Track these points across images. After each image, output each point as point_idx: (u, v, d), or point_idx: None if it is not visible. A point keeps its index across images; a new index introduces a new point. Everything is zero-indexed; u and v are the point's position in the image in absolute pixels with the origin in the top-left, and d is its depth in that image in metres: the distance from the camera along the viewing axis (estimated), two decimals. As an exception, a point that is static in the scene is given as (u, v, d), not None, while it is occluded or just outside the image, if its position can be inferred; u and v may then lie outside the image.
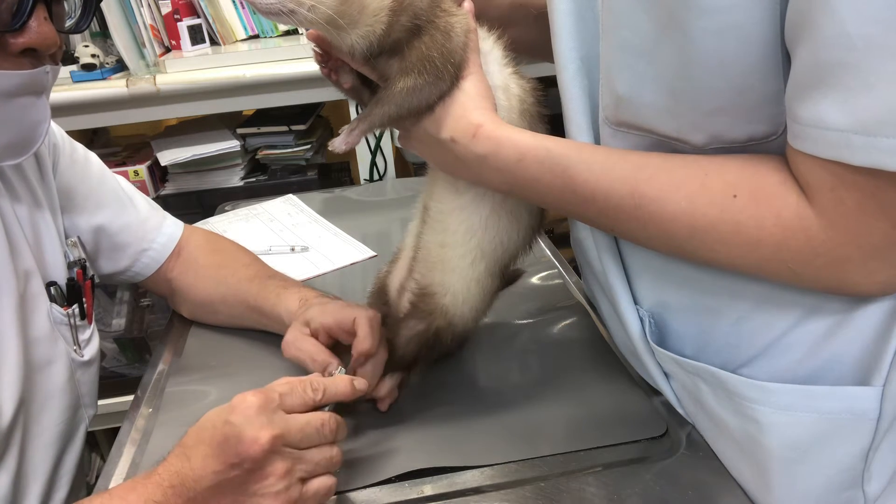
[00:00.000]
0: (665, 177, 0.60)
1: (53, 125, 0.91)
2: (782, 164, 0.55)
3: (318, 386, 0.66)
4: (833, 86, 0.47)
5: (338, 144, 0.68)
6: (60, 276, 0.88)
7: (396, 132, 0.74)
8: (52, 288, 0.86)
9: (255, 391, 0.62)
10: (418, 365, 0.81)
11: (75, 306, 0.89)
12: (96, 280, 0.96)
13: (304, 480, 0.62)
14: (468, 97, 0.67)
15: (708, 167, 0.58)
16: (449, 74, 0.67)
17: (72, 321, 0.88)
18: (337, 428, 0.65)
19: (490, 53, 0.72)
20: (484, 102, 0.67)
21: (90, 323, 0.93)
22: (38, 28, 0.71)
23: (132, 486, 0.60)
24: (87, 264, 0.93)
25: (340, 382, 0.68)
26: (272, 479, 0.60)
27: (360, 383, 0.70)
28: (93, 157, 0.98)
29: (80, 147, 0.97)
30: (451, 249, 0.75)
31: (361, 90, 0.73)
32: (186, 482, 0.59)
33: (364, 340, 0.75)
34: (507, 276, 0.82)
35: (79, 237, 0.93)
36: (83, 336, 0.91)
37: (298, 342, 0.80)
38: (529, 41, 0.78)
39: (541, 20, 0.74)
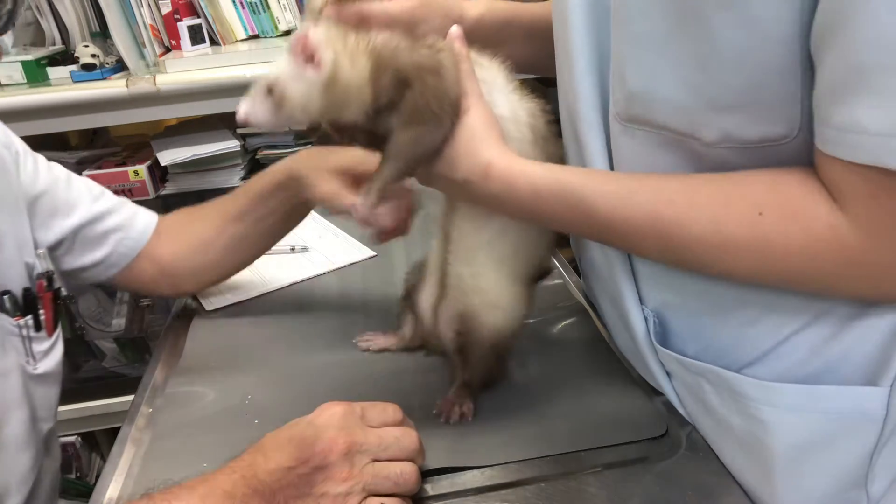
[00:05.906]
0: (685, 200, 0.58)
1: (13, 135, 0.90)
2: (805, 174, 0.54)
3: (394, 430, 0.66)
4: (871, 89, 0.46)
5: (361, 210, 0.68)
6: (16, 285, 0.85)
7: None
8: (5, 297, 0.84)
9: (339, 402, 0.65)
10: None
11: (29, 317, 0.86)
12: (63, 293, 0.93)
13: (367, 495, 0.62)
14: (472, 133, 0.65)
15: (729, 189, 0.57)
16: (448, 115, 0.65)
17: (24, 332, 0.86)
18: (419, 446, 0.66)
19: (493, 83, 0.70)
20: (489, 132, 0.65)
21: (50, 335, 0.89)
22: None
23: (202, 479, 0.60)
24: (54, 276, 0.90)
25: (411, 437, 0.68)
26: (334, 481, 0.60)
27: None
28: (55, 164, 0.96)
29: (40, 156, 0.95)
30: (485, 278, 0.75)
31: (377, 141, 0.71)
32: (259, 473, 0.59)
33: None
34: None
35: (48, 248, 0.90)
36: (39, 348, 0.88)
37: (342, 197, 0.80)
38: (522, 58, 0.76)
39: (532, 36, 0.73)
